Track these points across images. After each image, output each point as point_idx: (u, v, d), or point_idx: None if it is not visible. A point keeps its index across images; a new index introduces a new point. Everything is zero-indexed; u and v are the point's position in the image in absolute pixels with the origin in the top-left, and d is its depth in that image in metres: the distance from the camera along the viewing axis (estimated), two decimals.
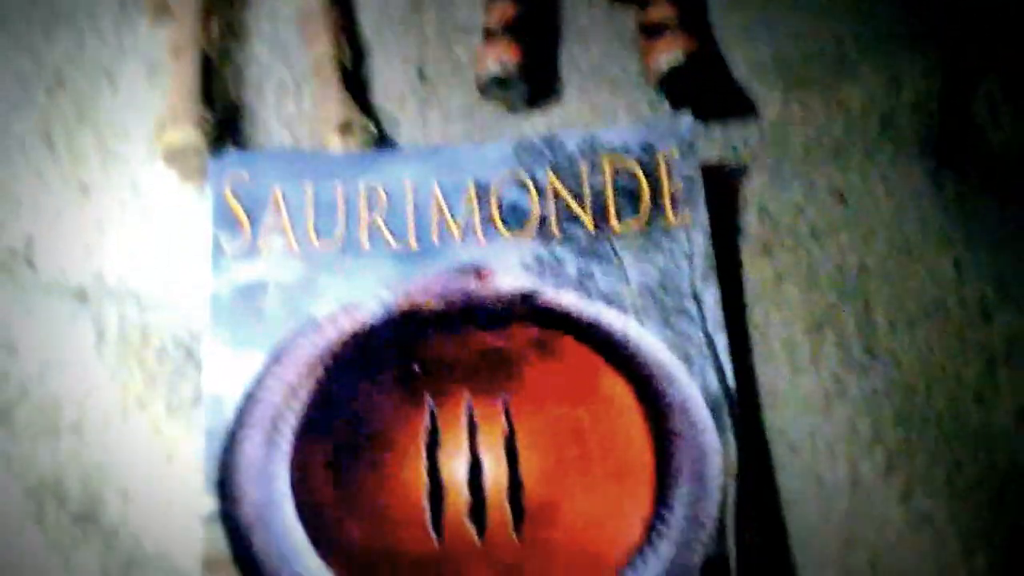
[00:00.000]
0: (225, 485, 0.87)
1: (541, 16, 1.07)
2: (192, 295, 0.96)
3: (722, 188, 0.99)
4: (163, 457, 0.90)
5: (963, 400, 0.92)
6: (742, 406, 0.89)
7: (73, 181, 1.02)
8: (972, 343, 0.94)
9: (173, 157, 0.99)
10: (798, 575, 0.86)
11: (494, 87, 1.03)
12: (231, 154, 0.99)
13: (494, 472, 0.87)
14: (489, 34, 1.04)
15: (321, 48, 1.05)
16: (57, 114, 1.05)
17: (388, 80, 1.06)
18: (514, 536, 0.85)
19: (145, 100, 1.05)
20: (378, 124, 1.02)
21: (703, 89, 1.02)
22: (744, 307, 0.95)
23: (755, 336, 0.93)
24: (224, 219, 0.95)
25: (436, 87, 1.05)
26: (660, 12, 1.03)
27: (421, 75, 1.06)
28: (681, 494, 0.86)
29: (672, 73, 1.01)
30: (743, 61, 1.06)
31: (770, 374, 0.92)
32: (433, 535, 0.86)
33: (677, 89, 1.02)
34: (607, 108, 1.04)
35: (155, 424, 0.91)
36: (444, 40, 1.07)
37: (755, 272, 0.96)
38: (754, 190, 1.00)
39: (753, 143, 1.02)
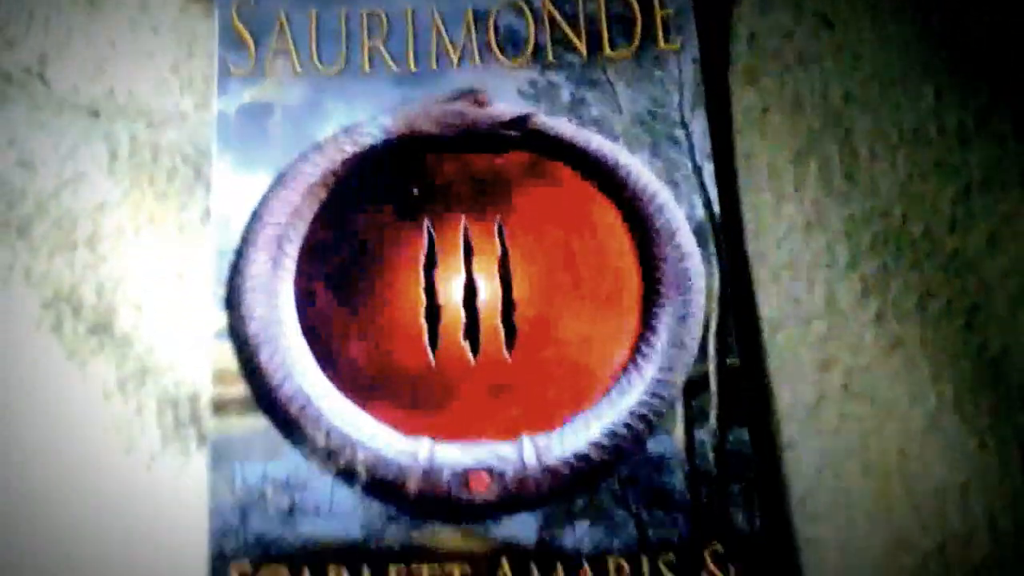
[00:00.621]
0: (233, 302, 0.91)
1: None
2: (200, 115, 0.98)
3: (713, 15, 1.00)
4: (174, 273, 0.94)
5: (938, 226, 0.96)
6: (726, 232, 0.93)
7: None
8: (949, 170, 0.97)
9: None
10: (775, 394, 0.90)
11: None
12: None
13: (488, 293, 0.92)
14: None
15: None
16: None
17: None
18: (506, 355, 0.90)
19: None
20: None
21: None
22: (731, 135, 0.97)
23: (741, 164, 0.97)
24: (230, 41, 0.98)
25: None
26: None
27: None
28: (666, 316, 0.90)
29: None
30: None
31: (754, 201, 0.96)
32: (429, 353, 0.90)
33: None
34: None
35: (166, 240, 0.95)
36: None
37: (742, 100, 0.99)
38: (743, 15, 1.01)
39: None
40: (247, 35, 0.98)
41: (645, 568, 0.85)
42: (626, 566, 0.86)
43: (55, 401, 0.91)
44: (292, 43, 0.98)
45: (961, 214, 0.96)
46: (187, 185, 0.97)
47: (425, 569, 0.86)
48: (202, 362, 0.91)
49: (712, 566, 0.85)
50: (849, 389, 0.91)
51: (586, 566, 0.86)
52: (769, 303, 0.93)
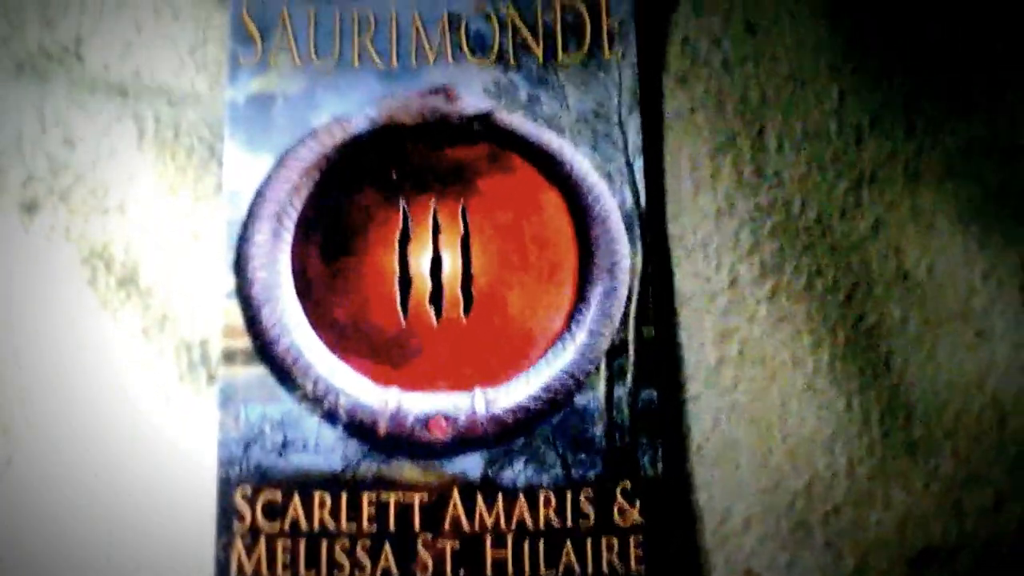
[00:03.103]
0: (240, 267, 1.10)
1: None
2: (213, 96, 1.16)
3: (653, 23, 1.17)
4: (190, 237, 1.12)
5: (830, 214, 1.13)
6: (650, 218, 1.11)
7: None
8: (845, 164, 1.14)
9: None
10: (682, 357, 1.10)
11: None
12: None
13: (451, 265, 1.10)
14: None
15: None
16: None
17: None
18: (464, 318, 1.09)
19: None
20: None
21: None
22: (661, 132, 1.15)
23: (668, 159, 1.14)
24: (240, 35, 1.15)
25: None
26: None
27: None
28: (596, 291, 1.09)
29: None
30: None
31: (676, 191, 1.13)
32: (401, 315, 1.09)
33: None
34: None
35: (184, 209, 1.13)
36: None
37: (673, 101, 1.15)
38: (678, 22, 1.18)
39: None
40: (254, 30, 1.15)
41: (568, 500, 1.05)
42: (553, 498, 1.06)
43: (91, 343, 1.10)
44: (293, 39, 1.15)
45: (851, 203, 1.13)
46: (203, 161, 1.14)
47: (392, 496, 1.06)
48: (213, 317, 1.10)
49: (621, 500, 1.05)
50: (743, 355, 1.09)
51: (521, 496, 1.05)
52: (682, 280, 1.11)
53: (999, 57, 1.16)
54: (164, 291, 1.12)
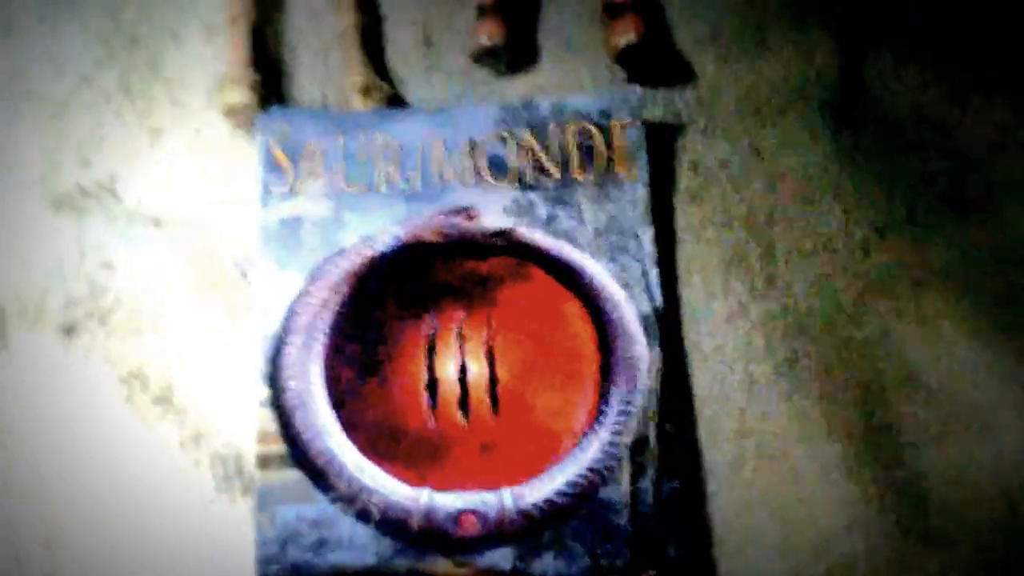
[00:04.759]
0: (274, 378, 1.14)
1: None
2: (245, 222, 1.22)
3: (663, 143, 1.24)
4: (224, 353, 1.17)
5: (839, 320, 1.18)
6: (667, 324, 1.16)
7: (147, 126, 1.28)
8: (851, 274, 1.20)
9: (231, 112, 1.25)
10: (702, 451, 1.14)
11: (485, 56, 1.29)
12: (275, 111, 1.25)
13: (477, 371, 1.15)
14: (482, 11, 1.29)
15: (346, 18, 1.30)
16: (133, 68, 1.30)
17: (400, 47, 1.31)
18: (491, 420, 1.13)
19: (205, 56, 1.30)
20: (392, 85, 1.28)
21: (652, 60, 1.27)
22: (674, 245, 1.20)
23: (681, 268, 1.19)
24: (270, 165, 1.22)
25: (439, 53, 1.31)
26: None
27: (427, 43, 1.31)
28: (617, 391, 1.13)
29: (626, 49, 1.27)
30: (685, 37, 1.30)
31: (690, 299, 1.18)
32: (430, 418, 1.14)
33: (631, 61, 1.27)
34: (575, 74, 1.29)
35: (218, 327, 1.18)
36: (446, 14, 1.32)
37: (685, 217, 1.22)
38: (688, 145, 1.25)
39: (691, 104, 1.27)
40: (284, 159, 1.21)
41: None
42: None
43: (130, 456, 1.15)
44: (321, 166, 1.21)
45: (860, 311, 1.18)
46: (235, 281, 1.19)
47: None
48: (247, 426, 1.14)
49: None
50: (761, 451, 1.13)
51: None
52: (699, 381, 1.16)
53: (989, 155, 1.22)
54: (199, 406, 1.16)
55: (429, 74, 1.30)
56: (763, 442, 1.14)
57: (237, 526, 1.11)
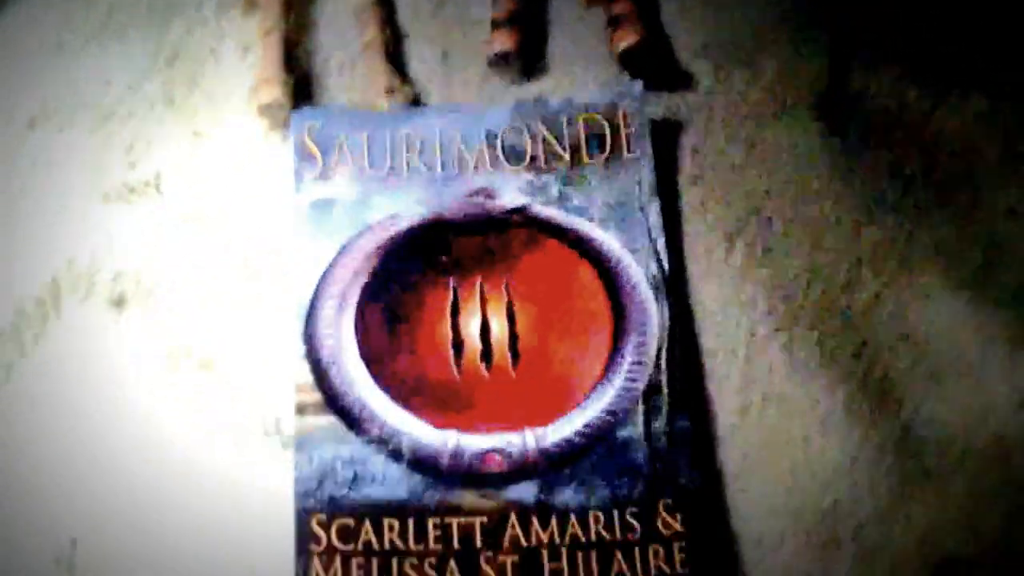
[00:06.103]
0: (310, 335, 1.23)
1: (535, 10, 1.45)
2: (281, 210, 1.31)
3: (665, 137, 1.34)
4: (268, 317, 1.26)
5: (834, 288, 1.26)
6: (673, 285, 1.24)
7: (189, 130, 1.38)
8: (844, 248, 1.28)
9: (264, 111, 1.34)
10: (708, 398, 1.21)
11: (500, 63, 1.39)
12: (306, 110, 1.35)
13: (498, 328, 1.23)
14: (496, 23, 1.40)
15: (370, 34, 1.41)
16: (175, 80, 1.41)
17: (420, 59, 1.42)
18: (512, 371, 1.21)
19: (241, 69, 1.41)
20: (413, 89, 1.38)
21: (652, 64, 1.38)
22: (679, 220, 1.30)
23: (686, 242, 1.28)
24: (303, 154, 1.31)
25: (457, 64, 1.41)
26: (621, 8, 1.39)
27: (445, 55, 1.42)
28: (630, 343, 1.21)
29: (627, 53, 1.37)
30: (683, 43, 1.41)
31: (694, 266, 1.27)
32: (455, 370, 1.22)
33: (633, 65, 1.38)
34: (582, 78, 1.40)
35: (262, 294, 1.28)
36: (462, 28, 1.44)
37: (688, 196, 1.31)
38: (688, 141, 1.34)
39: (690, 106, 1.37)
40: (316, 149, 1.31)
41: (616, 517, 1.15)
42: (602, 516, 1.15)
43: (188, 411, 1.23)
44: (349, 155, 1.31)
45: (853, 279, 1.26)
46: (271, 259, 1.29)
47: (455, 520, 1.15)
48: (287, 387, 1.21)
49: (664, 514, 1.15)
50: (766, 398, 1.20)
51: (572, 516, 1.15)
52: (706, 336, 1.24)
53: (964, 145, 1.33)
54: (240, 371, 1.25)
55: (447, 83, 1.39)
56: (767, 390, 1.21)
57: (280, 468, 1.18)
